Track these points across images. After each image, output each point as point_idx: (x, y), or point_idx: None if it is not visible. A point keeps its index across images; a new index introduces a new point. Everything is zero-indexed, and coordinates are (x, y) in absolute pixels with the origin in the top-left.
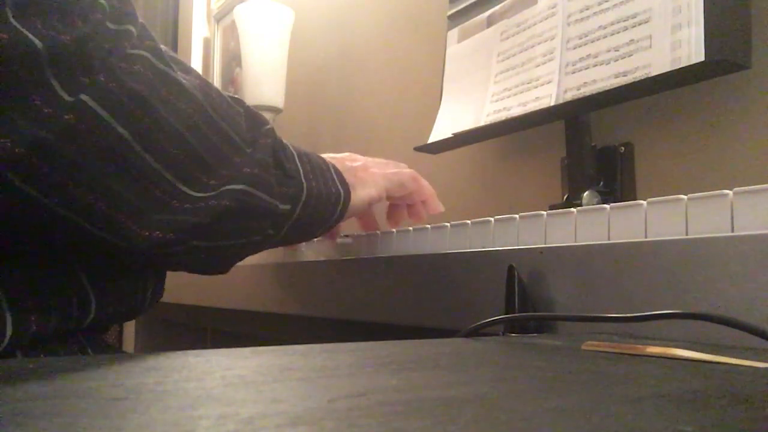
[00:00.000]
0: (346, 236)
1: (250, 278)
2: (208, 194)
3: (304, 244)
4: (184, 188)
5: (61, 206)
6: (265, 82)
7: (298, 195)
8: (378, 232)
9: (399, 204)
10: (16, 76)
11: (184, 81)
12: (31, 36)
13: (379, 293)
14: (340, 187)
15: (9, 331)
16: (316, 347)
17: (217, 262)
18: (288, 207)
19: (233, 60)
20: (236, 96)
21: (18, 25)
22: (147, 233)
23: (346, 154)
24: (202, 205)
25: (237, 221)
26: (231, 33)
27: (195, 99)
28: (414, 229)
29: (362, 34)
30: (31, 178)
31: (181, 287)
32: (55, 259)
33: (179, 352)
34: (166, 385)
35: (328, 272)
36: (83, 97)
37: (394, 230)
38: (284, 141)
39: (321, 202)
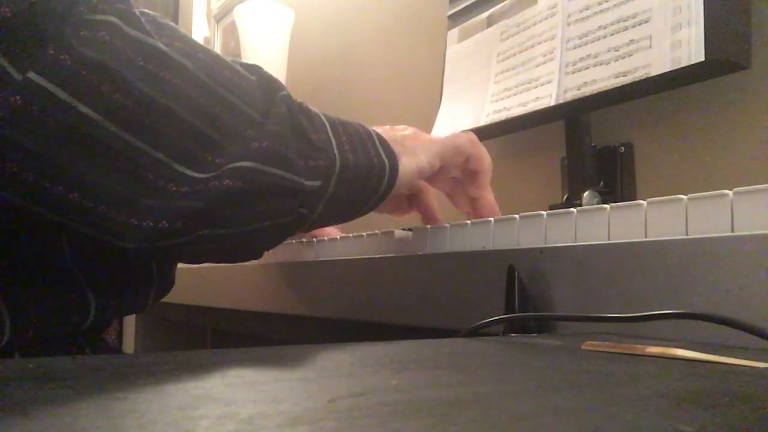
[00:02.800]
0: (407, 230)
1: (250, 278)
2: (211, 175)
3: (305, 242)
4: (183, 169)
5: (32, 202)
6: None
7: (329, 168)
8: (377, 232)
9: (454, 185)
10: None
11: (165, 48)
12: None
13: (379, 293)
14: (384, 157)
15: (7, 334)
16: (316, 347)
17: (242, 250)
18: (318, 183)
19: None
20: (250, 63)
21: None
22: (136, 223)
23: (399, 126)
24: (201, 187)
25: (249, 203)
26: (231, 33)
27: (183, 67)
28: (414, 229)
29: (362, 34)
30: None
31: (181, 287)
32: (53, 263)
33: (179, 352)
34: (166, 385)
35: (328, 272)
36: (30, 74)
37: (394, 230)
38: (312, 109)
39: (361, 175)
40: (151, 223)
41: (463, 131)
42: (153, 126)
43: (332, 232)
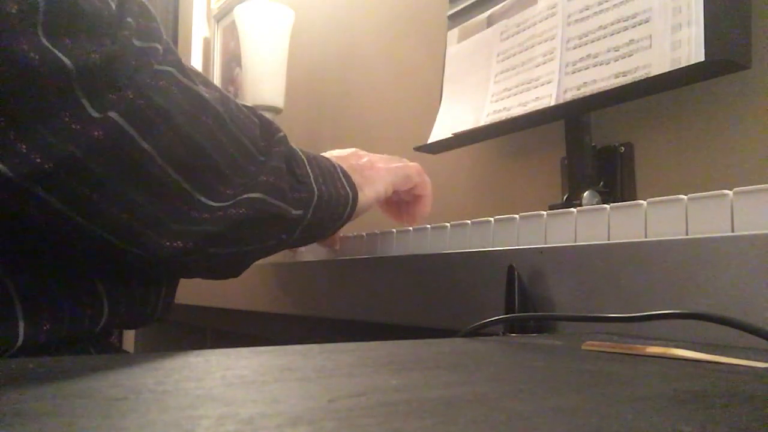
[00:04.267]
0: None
1: (250, 278)
2: (226, 203)
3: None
4: (203, 198)
5: (86, 219)
6: (265, 82)
7: (309, 200)
8: (377, 232)
9: (393, 206)
10: (46, 94)
11: (205, 94)
12: (61, 55)
13: (379, 293)
14: (348, 189)
15: (21, 338)
16: (316, 347)
17: (232, 268)
18: (300, 212)
19: (233, 60)
20: (249, 105)
21: (49, 45)
22: (168, 243)
23: (351, 150)
24: (221, 214)
25: (253, 228)
26: (231, 33)
27: (215, 112)
28: (414, 230)
29: (362, 34)
30: (59, 193)
31: (181, 287)
32: (70, 267)
33: (179, 352)
34: (166, 385)
35: (328, 272)
36: (111, 114)
37: (394, 230)
38: (294, 147)
39: (331, 205)
40: (177, 243)
41: (411, 163)
42: (188, 161)
43: None
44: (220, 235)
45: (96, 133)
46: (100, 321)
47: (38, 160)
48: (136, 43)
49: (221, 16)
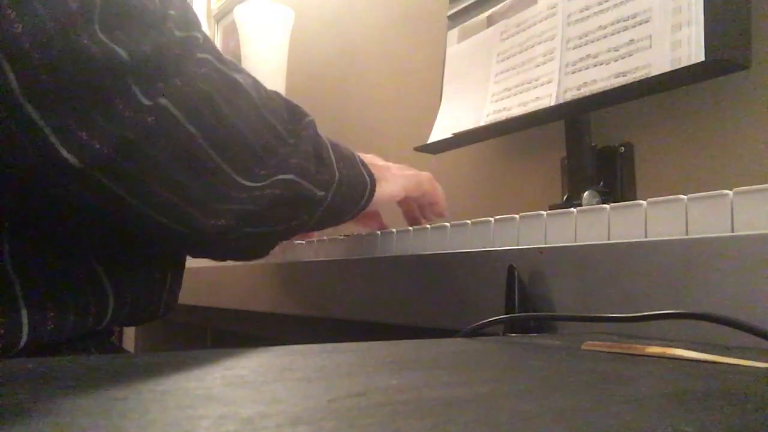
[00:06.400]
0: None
1: (250, 278)
2: (261, 184)
3: (305, 243)
4: (240, 179)
5: (140, 201)
6: (265, 82)
7: (331, 182)
8: (378, 232)
9: (412, 206)
10: (102, 85)
11: (240, 80)
12: (117, 48)
13: (379, 293)
14: (367, 176)
15: (25, 336)
16: (316, 347)
17: (260, 248)
18: (323, 193)
19: (233, 60)
20: (277, 91)
21: (105, 39)
22: (212, 222)
23: (370, 156)
24: (258, 194)
25: (285, 208)
26: (231, 33)
27: (250, 96)
28: (414, 229)
29: (362, 34)
30: (118, 177)
31: (182, 287)
32: (74, 257)
33: (179, 352)
34: (166, 385)
35: (328, 272)
36: (162, 100)
37: (393, 230)
38: (318, 131)
39: (350, 189)
40: (220, 222)
41: (423, 172)
42: (228, 143)
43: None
44: (257, 214)
45: (149, 119)
46: (105, 319)
47: (97, 146)
48: (177, 33)
49: (221, 16)
